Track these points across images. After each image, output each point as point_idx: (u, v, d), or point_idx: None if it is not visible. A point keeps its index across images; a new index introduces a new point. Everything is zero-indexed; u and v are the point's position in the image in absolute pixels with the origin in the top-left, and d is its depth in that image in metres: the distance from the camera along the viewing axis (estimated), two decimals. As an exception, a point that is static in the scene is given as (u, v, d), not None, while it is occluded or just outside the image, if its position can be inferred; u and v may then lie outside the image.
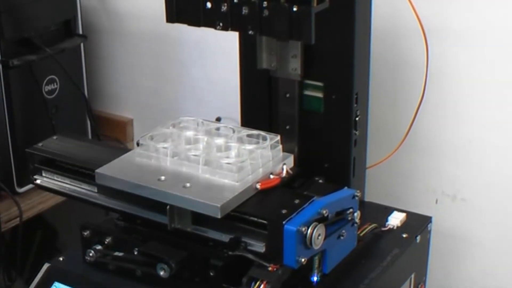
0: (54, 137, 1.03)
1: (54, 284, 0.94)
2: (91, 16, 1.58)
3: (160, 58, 1.53)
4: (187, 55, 1.49)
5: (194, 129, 0.98)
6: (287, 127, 1.05)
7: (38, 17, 1.33)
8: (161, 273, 0.87)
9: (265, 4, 0.87)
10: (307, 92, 1.03)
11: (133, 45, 1.57)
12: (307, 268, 0.87)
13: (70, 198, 0.98)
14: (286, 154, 0.95)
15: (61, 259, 0.97)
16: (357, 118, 1.02)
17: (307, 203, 0.85)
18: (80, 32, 1.44)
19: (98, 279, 0.93)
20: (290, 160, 0.94)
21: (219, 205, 0.83)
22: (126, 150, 0.99)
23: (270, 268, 0.84)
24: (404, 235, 1.00)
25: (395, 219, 1.02)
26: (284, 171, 0.93)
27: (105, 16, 1.59)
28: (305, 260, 0.82)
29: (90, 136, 1.50)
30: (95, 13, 1.59)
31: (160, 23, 0.99)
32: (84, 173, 0.96)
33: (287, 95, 1.04)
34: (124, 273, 0.92)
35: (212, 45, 1.42)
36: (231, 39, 1.05)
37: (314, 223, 0.82)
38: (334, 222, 0.86)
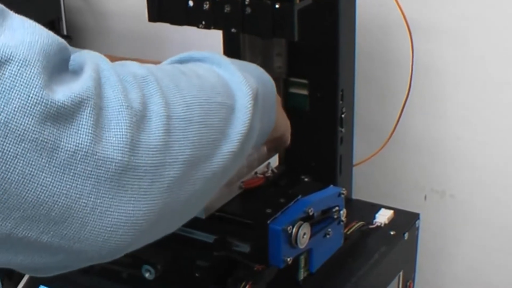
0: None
1: (39, 287, 0.93)
2: (75, 16, 1.57)
3: (146, 57, 1.51)
4: (172, 54, 1.47)
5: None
6: (273, 125, 1.05)
7: (22, 18, 1.32)
8: (147, 275, 0.86)
9: (247, 1, 0.86)
10: (292, 90, 1.03)
11: (118, 44, 1.56)
12: (293, 268, 0.86)
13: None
14: (271, 153, 0.94)
15: (46, 262, 0.96)
16: (342, 115, 1.01)
17: (292, 202, 0.84)
18: (65, 32, 1.43)
19: (83, 282, 0.92)
20: (275, 159, 0.94)
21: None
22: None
23: (255, 268, 0.83)
24: (392, 233, 1.00)
25: (383, 216, 1.02)
26: (269, 170, 0.92)
27: (89, 16, 1.58)
28: (290, 259, 0.82)
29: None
30: (80, 13, 1.58)
31: (145, 23, 0.99)
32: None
33: (272, 93, 1.04)
34: (109, 275, 0.91)
35: (196, 44, 1.41)
36: (215, 37, 1.05)
37: (299, 222, 0.82)
38: (320, 220, 0.86)
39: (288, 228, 0.80)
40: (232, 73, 0.64)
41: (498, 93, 1.19)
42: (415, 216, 1.04)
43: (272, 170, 0.92)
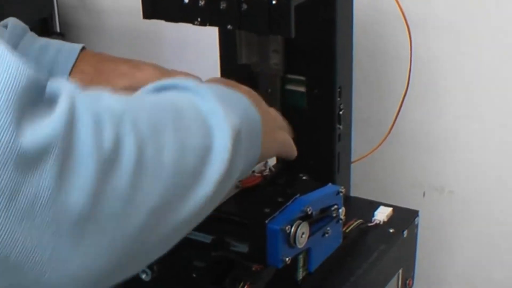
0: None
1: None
2: (68, 13, 1.56)
3: (140, 55, 1.49)
4: (167, 52, 1.47)
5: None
6: (270, 123, 1.04)
7: (14, 16, 1.30)
8: (143, 276, 0.85)
9: (243, -3, 0.85)
10: (289, 87, 1.02)
11: (112, 42, 1.55)
12: (292, 267, 0.85)
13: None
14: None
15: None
16: (340, 112, 1.00)
17: (290, 201, 0.83)
18: (58, 30, 1.42)
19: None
20: (272, 157, 0.93)
21: (199, 205, 0.81)
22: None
23: (254, 268, 0.82)
24: (391, 230, 0.99)
25: (382, 214, 1.01)
26: (267, 169, 0.91)
27: (82, 13, 1.57)
28: (289, 259, 0.80)
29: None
30: (73, 10, 1.57)
31: (139, 20, 0.98)
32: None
33: (269, 91, 1.02)
34: (105, 277, 0.90)
35: (192, 41, 1.40)
36: (211, 34, 1.04)
37: (298, 221, 0.80)
38: (318, 219, 0.85)
39: (287, 228, 0.79)
40: (213, 110, 0.62)
41: (497, 89, 1.19)
42: (414, 213, 1.03)
43: (269, 169, 0.91)
